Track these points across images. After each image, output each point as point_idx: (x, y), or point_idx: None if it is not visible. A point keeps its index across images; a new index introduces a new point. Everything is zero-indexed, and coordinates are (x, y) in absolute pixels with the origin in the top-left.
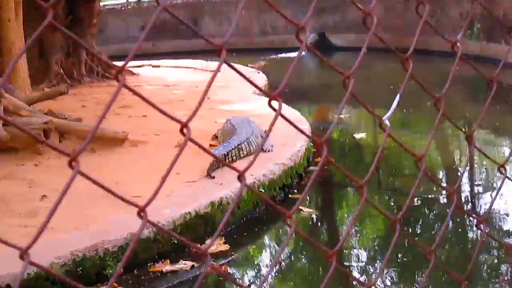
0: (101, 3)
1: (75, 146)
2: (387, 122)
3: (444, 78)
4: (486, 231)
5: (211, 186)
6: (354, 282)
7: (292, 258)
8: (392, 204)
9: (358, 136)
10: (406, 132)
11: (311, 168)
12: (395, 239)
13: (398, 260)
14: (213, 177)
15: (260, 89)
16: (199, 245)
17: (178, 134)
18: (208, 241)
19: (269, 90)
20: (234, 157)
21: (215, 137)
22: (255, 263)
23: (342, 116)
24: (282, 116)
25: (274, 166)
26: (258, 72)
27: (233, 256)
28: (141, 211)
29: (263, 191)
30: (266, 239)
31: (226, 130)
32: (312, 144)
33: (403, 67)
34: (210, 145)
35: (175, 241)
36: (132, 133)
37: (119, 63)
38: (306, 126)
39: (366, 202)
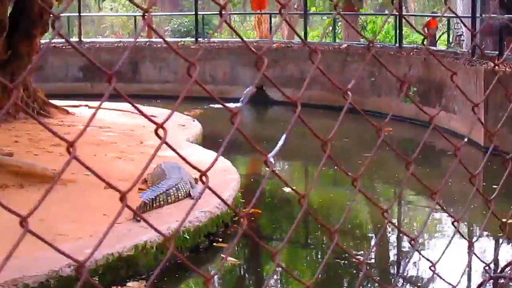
0: (42, 40)
1: (4, 181)
2: (272, 160)
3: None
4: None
5: (136, 229)
6: None
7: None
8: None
9: (287, 189)
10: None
11: (237, 218)
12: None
13: None
14: (139, 221)
15: (149, 119)
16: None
17: (107, 176)
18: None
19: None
20: (162, 202)
21: (145, 181)
22: None
23: (275, 169)
24: (167, 144)
25: (200, 214)
26: (193, 121)
27: None
28: (123, 197)
29: (187, 237)
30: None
31: (156, 175)
32: (241, 194)
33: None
34: (139, 189)
35: (96, 281)
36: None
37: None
38: (235, 176)
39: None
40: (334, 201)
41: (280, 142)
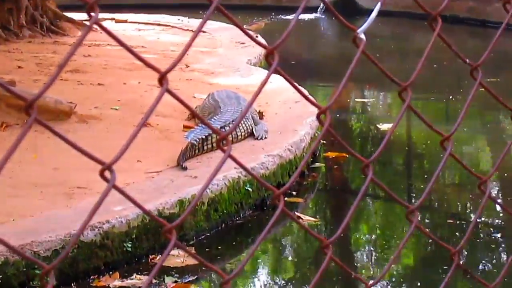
0: None
1: (5, 118)
2: (362, 36)
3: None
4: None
5: (181, 180)
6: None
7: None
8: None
9: (382, 127)
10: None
11: (317, 164)
12: (411, 230)
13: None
14: (185, 168)
15: (149, 66)
16: None
17: (141, 109)
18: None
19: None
20: (215, 144)
21: (192, 116)
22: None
23: (365, 100)
24: (281, 74)
25: (266, 159)
26: (256, 36)
27: (203, 274)
28: (107, 169)
29: (250, 190)
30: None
31: (207, 108)
32: (319, 132)
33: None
34: (185, 127)
35: (129, 248)
36: (81, 105)
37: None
38: (314, 109)
39: (372, 181)
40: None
41: (374, 13)
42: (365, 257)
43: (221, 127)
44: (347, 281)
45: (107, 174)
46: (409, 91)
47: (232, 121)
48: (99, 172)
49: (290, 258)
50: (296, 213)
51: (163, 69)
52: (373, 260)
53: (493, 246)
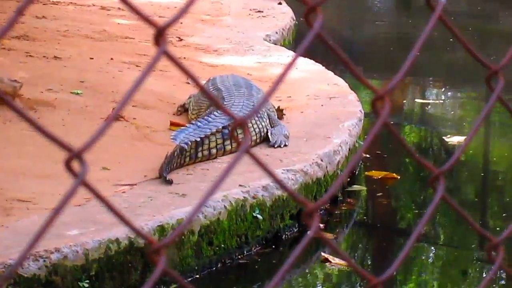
0: None
1: None
2: None
3: None
4: None
5: (163, 198)
6: None
7: None
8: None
9: (450, 140)
10: None
11: (356, 187)
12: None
13: None
14: (170, 182)
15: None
16: None
17: (111, 96)
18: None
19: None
20: (214, 150)
21: (183, 109)
22: None
23: (428, 101)
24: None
25: (286, 175)
26: (279, 3)
27: None
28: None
29: (259, 217)
30: None
31: (205, 99)
32: (362, 142)
33: None
34: (172, 124)
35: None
36: (29, 86)
37: None
38: (356, 108)
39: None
40: None
41: None
42: None
43: (223, 127)
44: None
45: (75, 165)
46: (500, 78)
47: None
48: (64, 162)
49: None
50: (323, 253)
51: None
52: None
53: None
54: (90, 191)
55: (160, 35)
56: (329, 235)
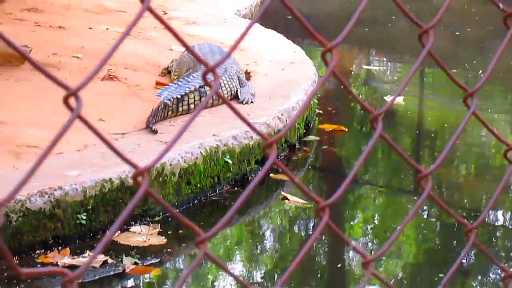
0: None
1: None
2: None
3: None
4: None
5: (149, 145)
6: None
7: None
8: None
9: (389, 98)
10: None
11: (310, 137)
12: (423, 196)
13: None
14: (155, 131)
15: None
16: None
17: (108, 60)
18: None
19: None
20: (193, 105)
21: (167, 71)
22: (197, 270)
23: (370, 67)
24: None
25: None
26: None
27: (167, 255)
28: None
29: (229, 162)
30: (222, 237)
31: (185, 63)
32: (317, 100)
33: None
34: (158, 83)
35: (83, 221)
36: (38, 51)
37: None
38: (310, 72)
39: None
40: None
41: None
42: (362, 237)
43: (200, 86)
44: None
45: (72, 101)
46: (475, 98)
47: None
48: (63, 99)
49: (272, 247)
50: (282, 192)
51: None
52: (371, 239)
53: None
54: (84, 123)
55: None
56: (287, 177)
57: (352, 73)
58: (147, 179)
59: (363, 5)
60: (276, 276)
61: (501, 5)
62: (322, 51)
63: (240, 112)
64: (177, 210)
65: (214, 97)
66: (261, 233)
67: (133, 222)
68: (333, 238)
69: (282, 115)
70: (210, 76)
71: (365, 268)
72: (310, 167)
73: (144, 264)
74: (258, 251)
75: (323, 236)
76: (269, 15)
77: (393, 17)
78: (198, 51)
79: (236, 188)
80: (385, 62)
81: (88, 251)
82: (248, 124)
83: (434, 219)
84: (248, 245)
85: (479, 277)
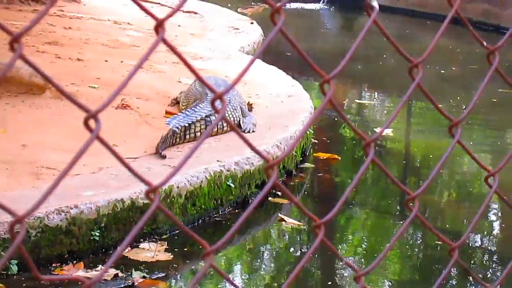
0: None
1: None
2: (375, 4)
3: None
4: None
5: (158, 168)
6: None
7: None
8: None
9: (378, 130)
10: None
11: (306, 165)
12: (410, 217)
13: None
14: (164, 157)
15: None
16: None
17: (122, 90)
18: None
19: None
20: (199, 133)
21: (176, 101)
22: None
23: (362, 101)
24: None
25: (252, 154)
26: (252, 23)
27: (173, 270)
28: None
29: (232, 186)
30: (224, 256)
31: (192, 94)
32: (312, 131)
33: None
34: (167, 112)
35: (96, 237)
36: (57, 81)
37: None
38: (307, 105)
39: (373, 162)
40: None
41: None
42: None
43: (206, 116)
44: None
45: (91, 123)
46: (459, 128)
47: None
48: (83, 120)
49: (269, 263)
50: (280, 215)
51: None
52: (363, 254)
53: (494, 247)
54: (102, 143)
55: (159, 25)
56: (284, 201)
57: (345, 106)
58: (159, 196)
59: (357, 42)
60: None
61: (484, 42)
62: (320, 82)
63: (244, 136)
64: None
65: (219, 125)
66: (259, 251)
67: (142, 239)
68: (326, 256)
69: (281, 143)
70: (217, 104)
71: (357, 282)
72: (305, 192)
73: (152, 278)
74: (257, 267)
75: (317, 254)
76: (270, 51)
77: (384, 56)
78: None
79: (237, 210)
80: (376, 97)
81: (100, 265)
82: (252, 148)
83: (418, 240)
84: (247, 261)
85: None
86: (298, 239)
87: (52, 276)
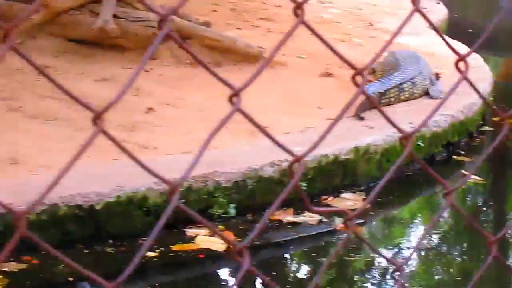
0: None
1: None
2: None
3: None
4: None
5: (357, 128)
6: None
7: (444, 239)
8: None
9: None
10: None
11: (486, 128)
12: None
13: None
14: (362, 118)
15: None
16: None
17: (326, 60)
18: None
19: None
20: (393, 98)
21: (372, 71)
22: (397, 230)
23: None
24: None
25: (439, 117)
26: (438, 3)
27: (371, 218)
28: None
29: (421, 145)
30: (417, 206)
31: (388, 64)
32: (492, 98)
33: None
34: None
35: (304, 187)
36: (267, 51)
37: None
38: (486, 75)
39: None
40: None
41: None
42: None
43: (399, 83)
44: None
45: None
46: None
47: (411, 78)
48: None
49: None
50: (462, 171)
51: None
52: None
53: None
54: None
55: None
56: (467, 158)
57: None
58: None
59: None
60: None
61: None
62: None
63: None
64: (379, 182)
65: (409, 92)
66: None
67: (343, 190)
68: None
69: (464, 109)
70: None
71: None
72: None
73: (352, 224)
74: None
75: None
76: (454, 28)
77: None
78: (398, 55)
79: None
80: None
81: (306, 212)
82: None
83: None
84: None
85: None
86: (477, 192)
87: (321, 208)
